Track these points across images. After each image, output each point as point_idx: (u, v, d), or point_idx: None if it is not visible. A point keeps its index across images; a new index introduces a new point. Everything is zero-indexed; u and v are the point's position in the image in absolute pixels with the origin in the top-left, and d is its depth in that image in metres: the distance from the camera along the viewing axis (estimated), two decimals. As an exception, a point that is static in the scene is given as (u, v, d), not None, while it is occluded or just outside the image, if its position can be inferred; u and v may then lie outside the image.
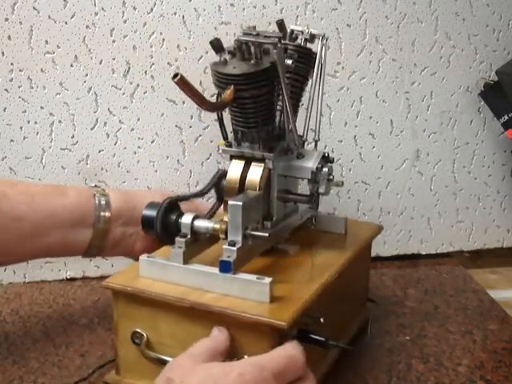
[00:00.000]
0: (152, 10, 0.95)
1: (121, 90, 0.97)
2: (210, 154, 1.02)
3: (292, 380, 0.59)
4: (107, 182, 1.00)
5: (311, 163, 0.75)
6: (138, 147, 1.00)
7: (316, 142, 0.80)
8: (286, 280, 0.70)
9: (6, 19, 0.91)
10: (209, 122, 1.00)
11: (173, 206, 0.72)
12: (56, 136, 0.97)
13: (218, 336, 0.63)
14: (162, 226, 0.71)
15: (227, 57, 0.70)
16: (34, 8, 0.91)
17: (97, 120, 0.98)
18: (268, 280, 0.65)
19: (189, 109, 1.00)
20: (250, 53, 0.68)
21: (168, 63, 0.97)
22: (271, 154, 0.73)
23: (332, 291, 0.73)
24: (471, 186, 1.15)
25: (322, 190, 0.75)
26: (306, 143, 0.79)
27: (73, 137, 0.98)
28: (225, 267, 0.66)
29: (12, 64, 0.93)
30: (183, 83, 0.64)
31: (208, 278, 0.67)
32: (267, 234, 0.68)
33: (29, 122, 0.96)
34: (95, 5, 0.93)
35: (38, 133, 0.96)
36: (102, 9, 0.94)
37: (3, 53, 0.92)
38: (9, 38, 0.92)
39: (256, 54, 0.69)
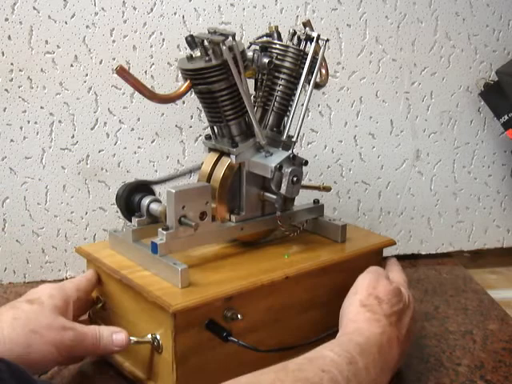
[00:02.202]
0: (152, 10, 0.95)
1: (121, 89, 0.97)
2: (210, 154, 1.02)
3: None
4: (107, 182, 1.00)
5: (273, 162, 0.75)
6: (138, 147, 1.00)
7: (294, 143, 0.79)
8: (224, 272, 0.74)
9: (6, 19, 0.91)
10: (209, 122, 1.00)
11: (142, 187, 0.77)
12: (56, 136, 0.97)
13: None
14: (125, 205, 0.77)
15: (199, 53, 0.73)
16: (34, 8, 0.91)
17: (97, 120, 0.98)
18: (181, 267, 0.69)
19: (189, 109, 1.00)
20: (207, 49, 0.72)
21: (168, 63, 0.97)
22: (234, 149, 0.75)
23: (283, 294, 0.74)
24: (471, 186, 1.15)
25: (282, 190, 0.75)
26: (295, 144, 0.79)
27: (73, 137, 0.98)
28: (153, 248, 0.72)
29: (12, 64, 0.93)
30: (123, 73, 0.71)
31: (145, 257, 0.73)
32: (193, 224, 0.71)
33: (29, 122, 0.96)
34: (95, 5, 0.93)
35: (37, 133, 0.96)
36: (102, 9, 0.94)
37: (3, 53, 0.92)
38: (9, 37, 0.92)
39: (208, 50, 0.72)
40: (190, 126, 1.01)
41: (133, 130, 0.99)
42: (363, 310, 0.70)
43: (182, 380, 0.68)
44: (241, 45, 0.74)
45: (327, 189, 0.87)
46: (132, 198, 0.77)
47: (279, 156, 0.75)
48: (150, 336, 0.70)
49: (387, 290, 0.73)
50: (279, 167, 0.75)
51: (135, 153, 1.00)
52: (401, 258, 1.13)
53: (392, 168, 1.10)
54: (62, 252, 1.00)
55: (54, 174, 0.98)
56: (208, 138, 0.79)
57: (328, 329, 0.76)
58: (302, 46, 0.79)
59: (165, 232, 0.72)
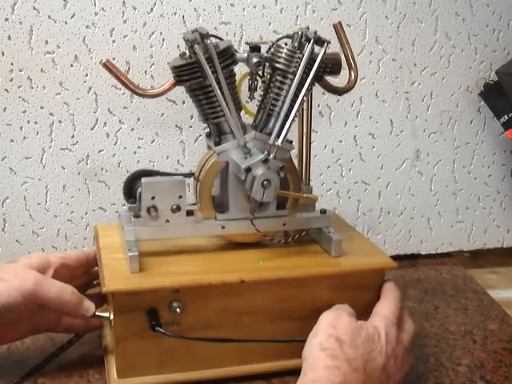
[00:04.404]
0: (152, 10, 0.95)
1: (121, 89, 0.97)
2: (210, 154, 1.02)
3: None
4: (107, 182, 1.00)
5: (244, 163, 0.74)
6: (138, 147, 1.00)
7: (277, 147, 0.75)
8: (186, 265, 0.75)
9: (6, 19, 0.91)
10: (209, 122, 1.00)
11: (146, 174, 0.78)
12: (56, 136, 0.97)
13: None
14: (127, 191, 0.80)
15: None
16: (34, 8, 0.91)
17: (97, 120, 0.98)
18: (131, 254, 0.72)
19: (189, 109, 1.00)
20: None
21: (168, 63, 0.97)
22: (216, 147, 0.76)
23: (243, 299, 0.73)
24: (471, 186, 1.15)
25: (252, 193, 0.74)
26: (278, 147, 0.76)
27: (73, 137, 0.98)
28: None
29: (12, 64, 0.93)
30: (109, 68, 0.73)
31: (123, 241, 0.76)
32: (153, 214, 0.74)
33: (29, 122, 0.96)
34: (95, 5, 0.93)
35: (37, 133, 0.96)
36: (102, 9, 0.94)
37: (3, 53, 0.92)
38: (9, 38, 0.92)
39: (188, 49, 0.73)
40: (190, 126, 1.01)
41: (133, 130, 0.99)
42: (323, 355, 0.64)
43: (122, 359, 0.73)
44: (223, 44, 0.74)
45: (311, 199, 0.80)
46: (133, 184, 0.80)
47: (253, 158, 0.74)
48: (108, 313, 0.75)
49: (349, 329, 0.66)
50: (247, 169, 0.73)
51: (135, 153, 1.00)
52: (401, 257, 1.13)
53: (392, 168, 1.10)
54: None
55: (54, 174, 0.98)
56: (208, 135, 0.80)
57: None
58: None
59: (133, 219, 0.75)
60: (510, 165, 1.14)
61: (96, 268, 0.84)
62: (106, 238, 0.82)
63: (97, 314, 0.76)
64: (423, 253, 1.16)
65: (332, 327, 0.67)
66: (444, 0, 1.04)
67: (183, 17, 0.96)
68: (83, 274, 0.82)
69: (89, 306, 0.75)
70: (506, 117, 1.06)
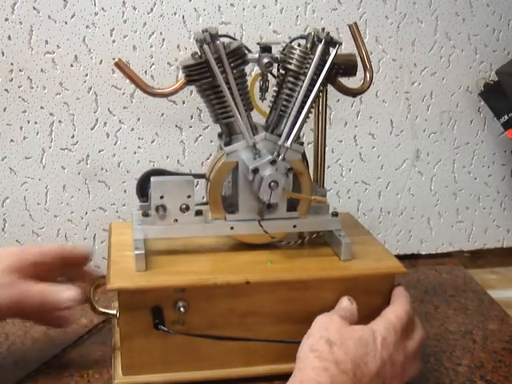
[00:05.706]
0: (152, 10, 0.95)
1: (121, 90, 0.97)
2: (210, 154, 1.02)
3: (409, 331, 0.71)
4: (107, 182, 1.00)
5: (252, 164, 0.73)
6: (138, 147, 1.00)
7: (286, 148, 0.74)
8: (193, 265, 0.75)
9: (6, 19, 0.91)
10: (209, 122, 1.00)
11: (159, 173, 0.78)
12: (56, 136, 0.97)
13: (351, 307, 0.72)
14: (139, 189, 0.80)
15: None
16: (34, 8, 0.91)
17: (97, 120, 0.98)
18: (137, 252, 0.72)
19: (189, 109, 1.00)
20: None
21: (168, 63, 0.97)
22: (225, 147, 0.76)
23: (249, 300, 0.73)
24: (471, 186, 1.15)
25: (260, 195, 0.74)
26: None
27: (73, 137, 0.98)
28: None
29: (12, 64, 0.93)
30: (120, 67, 0.71)
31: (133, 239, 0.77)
32: (160, 214, 0.75)
33: (29, 122, 0.96)
34: (95, 5, 0.93)
35: (37, 133, 0.96)
36: (102, 9, 0.94)
37: (3, 53, 0.92)
38: (9, 38, 0.92)
39: (198, 48, 0.73)
40: (190, 126, 1.01)
41: (133, 129, 0.99)
42: (312, 356, 0.64)
43: (127, 356, 0.73)
44: (234, 44, 0.73)
45: (320, 201, 0.80)
46: (146, 182, 0.79)
47: (262, 159, 0.74)
48: (115, 311, 0.76)
49: (341, 330, 0.66)
50: (254, 170, 0.73)
51: (135, 153, 1.00)
52: (401, 257, 1.13)
53: (392, 168, 1.10)
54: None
55: (54, 174, 0.98)
56: (220, 135, 0.80)
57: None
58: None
59: (142, 218, 0.76)
60: (510, 165, 1.14)
61: (91, 267, 0.83)
62: (118, 236, 0.83)
63: (104, 311, 0.77)
64: (423, 253, 1.16)
65: (324, 329, 0.67)
66: (444, 0, 1.04)
67: (183, 17, 0.96)
68: (61, 265, 0.80)
69: (70, 295, 0.73)
70: (506, 117, 1.06)
